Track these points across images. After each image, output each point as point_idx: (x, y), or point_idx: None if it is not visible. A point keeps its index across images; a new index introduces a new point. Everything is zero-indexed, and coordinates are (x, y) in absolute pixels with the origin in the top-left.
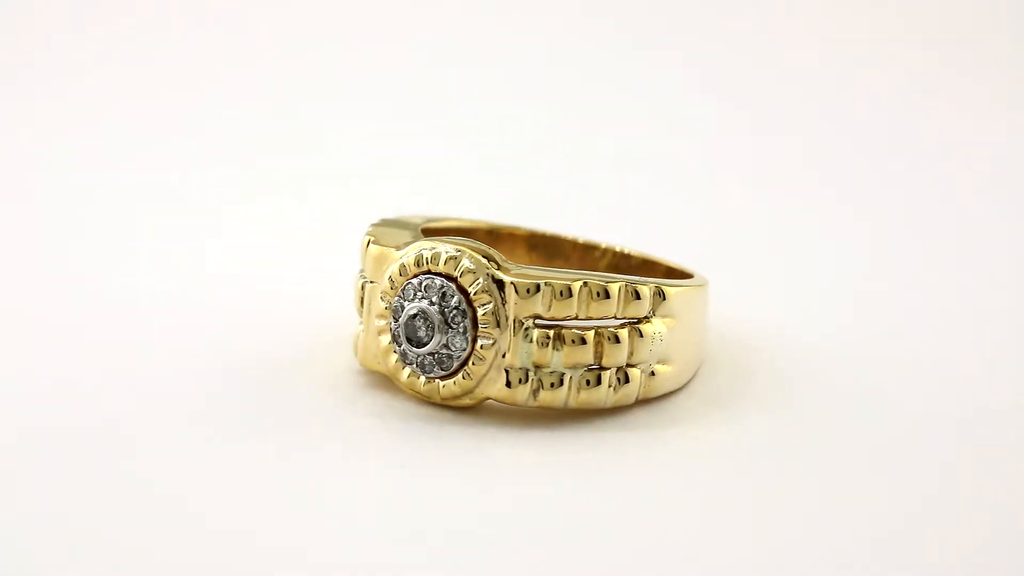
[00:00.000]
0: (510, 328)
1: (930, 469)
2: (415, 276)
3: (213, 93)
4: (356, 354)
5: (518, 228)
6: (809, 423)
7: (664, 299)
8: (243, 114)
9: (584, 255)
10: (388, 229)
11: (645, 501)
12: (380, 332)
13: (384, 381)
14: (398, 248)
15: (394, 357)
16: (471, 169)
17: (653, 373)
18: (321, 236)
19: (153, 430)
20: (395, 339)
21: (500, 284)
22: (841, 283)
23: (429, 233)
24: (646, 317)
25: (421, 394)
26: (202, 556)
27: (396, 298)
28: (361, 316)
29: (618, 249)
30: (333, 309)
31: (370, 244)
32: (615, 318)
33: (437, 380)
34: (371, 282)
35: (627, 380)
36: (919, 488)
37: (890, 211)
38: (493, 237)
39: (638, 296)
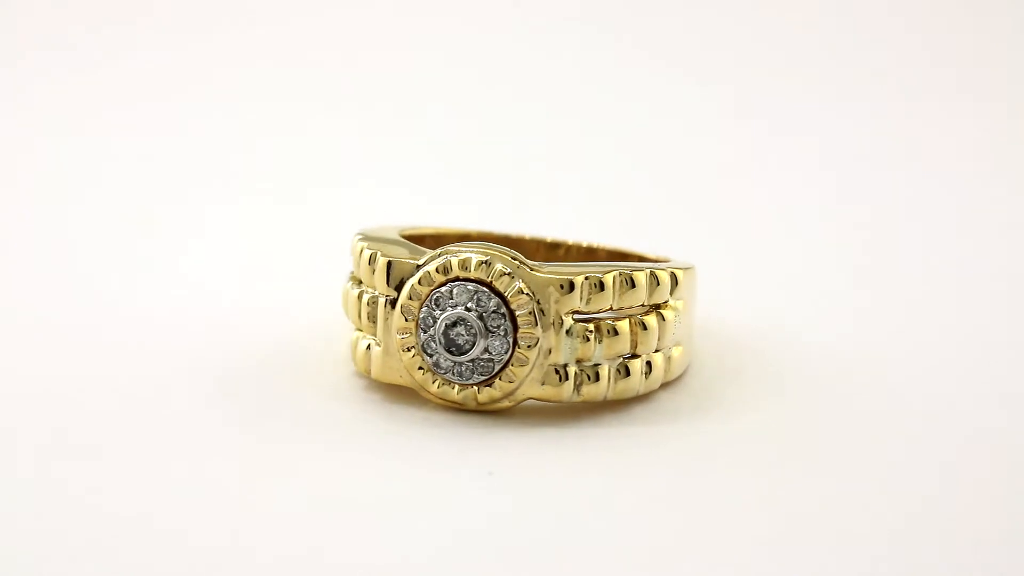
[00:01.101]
0: (552, 326)
1: (930, 467)
2: (442, 285)
3: (210, 99)
4: (361, 367)
5: (490, 233)
6: (805, 420)
7: (677, 283)
8: (232, 120)
9: (549, 254)
10: (384, 243)
11: (647, 502)
12: (403, 345)
13: (393, 388)
14: (413, 259)
15: (421, 369)
16: (441, 174)
17: (670, 357)
18: (298, 241)
19: (159, 434)
20: (424, 350)
21: (536, 283)
22: (833, 278)
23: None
24: (665, 302)
25: (455, 402)
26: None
27: (423, 309)
28: (365, 330)
29: (584, 244)
30: (325, 315)
31: (377, 257)
32: (642, 306)
33: (473, 386)
34: (385, 296)
35: (651, 366)
36: (919, 486)
37: (886, 205)
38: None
39: (658, 282)
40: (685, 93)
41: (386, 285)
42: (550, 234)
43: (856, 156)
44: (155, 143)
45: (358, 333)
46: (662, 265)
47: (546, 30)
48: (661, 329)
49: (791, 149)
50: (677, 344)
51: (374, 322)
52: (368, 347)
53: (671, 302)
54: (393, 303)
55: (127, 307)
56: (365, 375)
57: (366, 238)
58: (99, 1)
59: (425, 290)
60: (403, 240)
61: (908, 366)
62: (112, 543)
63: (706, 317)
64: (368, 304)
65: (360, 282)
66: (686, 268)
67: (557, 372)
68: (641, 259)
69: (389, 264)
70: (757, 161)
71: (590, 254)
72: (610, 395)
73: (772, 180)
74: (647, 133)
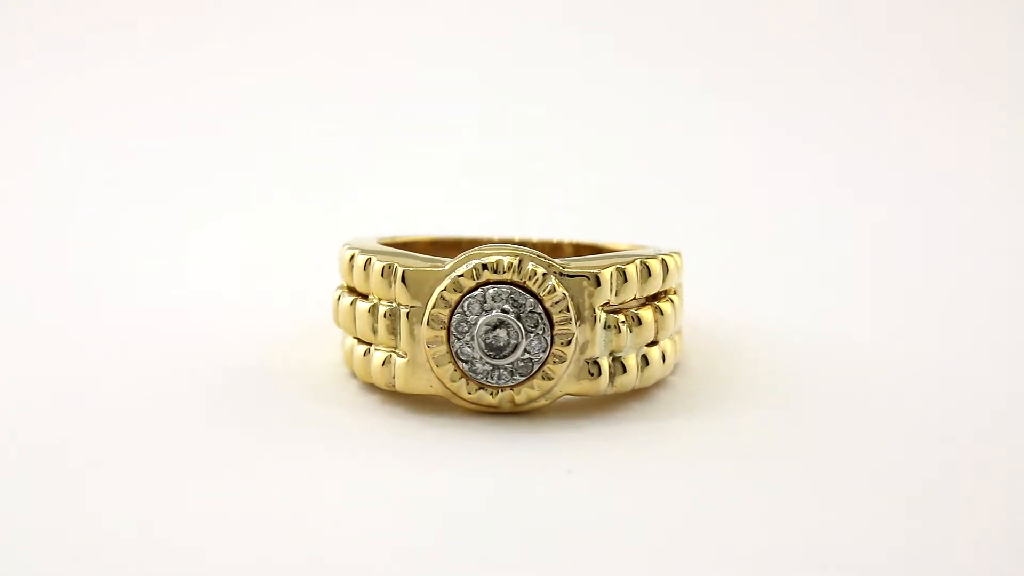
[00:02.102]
0: (587, 321)
1: (930, 467)
2: (473, 290)
3: (207, 101)
4: (380, 381)
5: (460, 238)
6: (804, 419)
7: (679, 269)
8: (231, 122)
9: None
10: (391, 254)
11: (648, 501)
12: (433, 355)
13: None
14: (436, 267)
15: (452, 376)
16: (409, 179)
17: (675, 341)
18: (298, 242)
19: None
20: (457, 357)
21: (568, 279)
22: (833, 277)
23: None
24: (671, 288)
25: (490, 406)
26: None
27: (456, 315)
28: (382, 343)
29: (555, 241)
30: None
31: (395, 268)
32: (657, 294)
33: (509, 388)
34: (409, 306)
35: (664, 352)
36: (918, 486)
37: (885, 205)
38: (436, 247)
39: (667, 269)
40: (678, 89)
41: (408, 296)
42: (516, 233)
43: (855, 155)
44: (156, 144)
45: (365, 346)
46: (664, 251)
47: (508, 28)
48: (675, 314)
49: (788, 147)
50: (679, 330)
51: (394, 334)
52: (385, 360)
53: (674, 287)
54: (418, 313)
55: (127, 307)
56: (387, 388)
57: (366, 251)
58: (102, 4)
59: (455, 296)
60: (400, 250)
61: (907, 366)
62: (112, 543)
63: (704, 316)
64: (386, 316)
65: (365, 295)
66: (680, 254)
67: (591, 366)
68: (613, 250)
69: (412, 274)
70: (754, 160)
71: (556, 250)
72: (638, 384)
73: (768, 179)
74: (634, 129)
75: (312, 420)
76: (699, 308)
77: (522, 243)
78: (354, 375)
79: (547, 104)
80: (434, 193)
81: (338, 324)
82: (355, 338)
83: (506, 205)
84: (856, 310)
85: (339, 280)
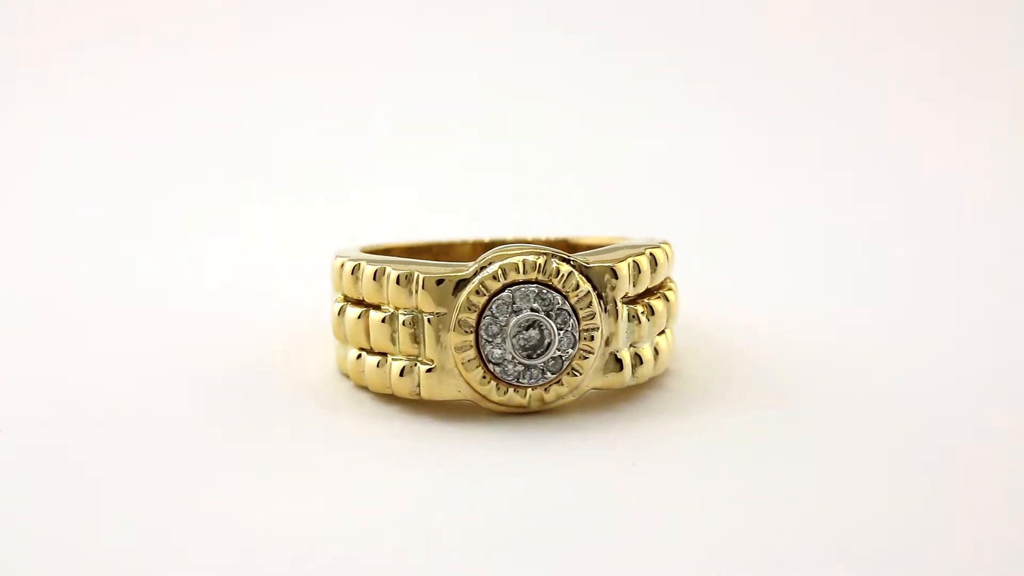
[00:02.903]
0: (611, 314)
1: (929, 467)
2: (499, 291)
3: (204, 105)
4: (402, 391)
5: (435, 242)
6: (802, 419)
7: (673, 259)
8: (229, 124)
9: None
10: (408, 263)
11: (647, 500)
12: (462, 359)
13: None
14: (457, 272)
15: (481, 380)
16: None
17: (672, 330)
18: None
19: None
20: (487, 359)
21: (591, 274)
22: (831, 277)
23: None
24: (669, 277)
25: (520, 407)
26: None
27: (485, 317)
28: (402, 352)
29: (530, 239)
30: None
31: (415, 276)
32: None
33: (540, 388)
34: (431, 313)
35: (667, 340)
36: (918, 486)
37: (883, 204)
38: (414, 253)
39: (668, 258)
40: (677, 88)
41: (432, 302)
42: (487, 235)
43: (855, 154)
44: (156, 145)
45: (379, 357)
46: (656, 241)
47: (499, 28)
48: (677, 302)
49: (789, 147)
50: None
51: (418, 342)
52: (404, 370)
53: (670, 276)
54: (444, 319)
55: (127, 308)
56: (411, 398)
57: (374, 260)
58: (101, 5)
59: (482, 300)
60: (407, 258)
61: (907, 366)
62: (111, 543)
63: (704, 316)
64: (406, 325)
65: (376, 306)
66: (668, 243)
67: (614, 359)
68: (589, 245)
69: (434, 280)
70: (755, 159)
71: None
72: (653, 373)
73: (769, 178)
74: (629, 129)
75: (315, 421)
76: (699, 308)
77: (492, 242)
78: (363, 387)
79: (531, 105)
80: (410, 195)
81: (341, 337)
82: (363, 349)
83: (469, 205)
84: (856, 310)
85: (333, 291)
